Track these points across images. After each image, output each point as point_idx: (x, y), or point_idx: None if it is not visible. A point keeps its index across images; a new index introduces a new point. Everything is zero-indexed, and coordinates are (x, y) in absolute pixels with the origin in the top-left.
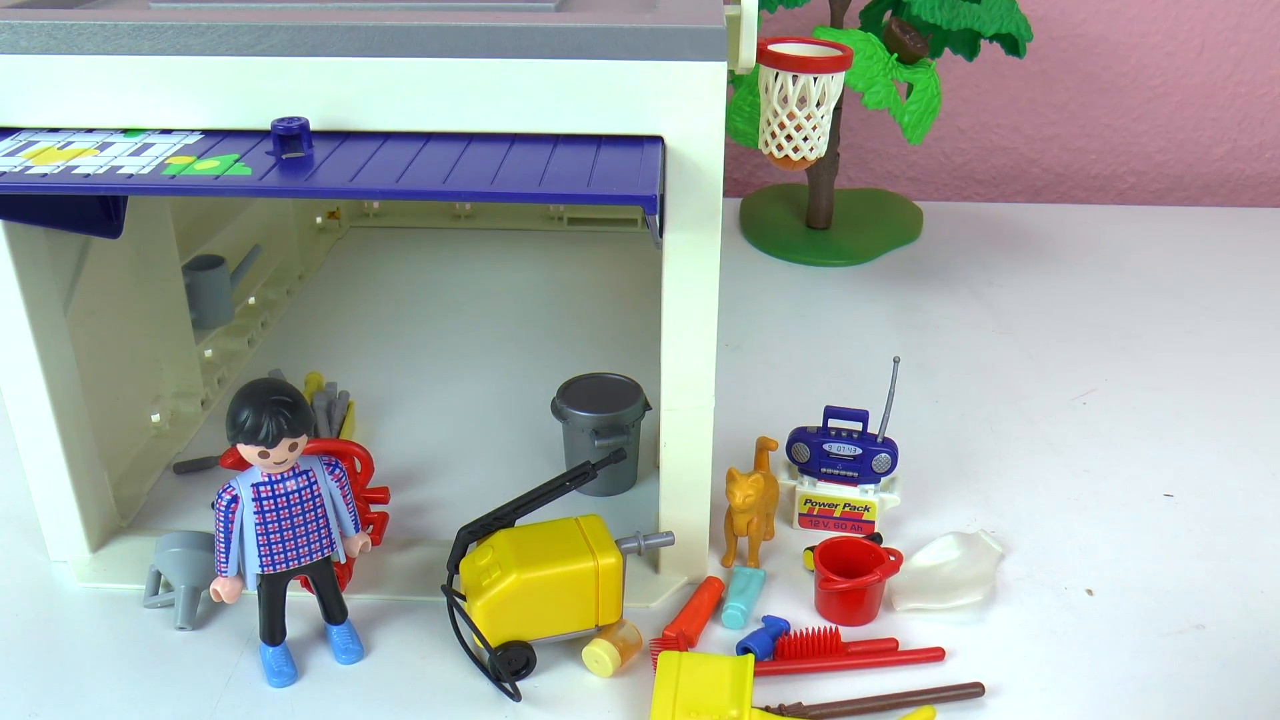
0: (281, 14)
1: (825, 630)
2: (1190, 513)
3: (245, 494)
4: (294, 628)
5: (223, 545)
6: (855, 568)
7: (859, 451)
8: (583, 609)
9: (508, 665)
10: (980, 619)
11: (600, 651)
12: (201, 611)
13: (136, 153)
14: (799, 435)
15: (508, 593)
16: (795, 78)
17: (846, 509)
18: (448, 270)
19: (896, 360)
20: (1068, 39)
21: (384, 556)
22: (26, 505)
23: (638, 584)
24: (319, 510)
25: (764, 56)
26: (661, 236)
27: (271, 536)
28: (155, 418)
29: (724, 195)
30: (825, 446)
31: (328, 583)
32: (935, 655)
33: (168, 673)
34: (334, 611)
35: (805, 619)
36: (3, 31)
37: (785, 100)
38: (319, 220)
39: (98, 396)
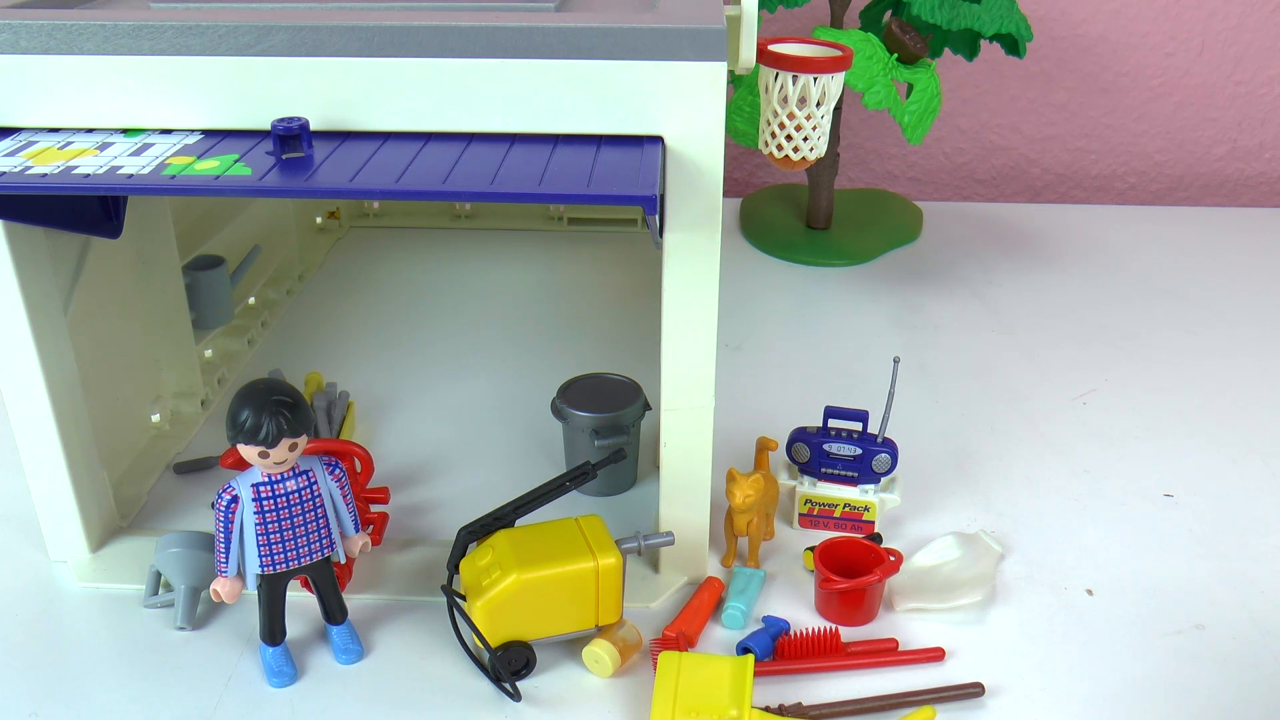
0: (281, 14)
1: (825, 630)
2: (1190, 513)
3: (245, 494)
4: (294, 628)
5: (223, 545)
6: (855, 568)
7: (859, 451)
8: (583, 609)
9: (508, 665)
10: (980, 619)
11: (600, 651)
12: (201, 611)
13: (136, 153)
14: (799, 435)
15: (508, 593)
16: (795, 78)
17: (846, 509)
18: (448, 270)
19: (896, 360)
20: (1068, 39)
21: (384, 556)
22: (26, 505)
23: (638, 584)
24: (319, 510)
25: (764, 56)
26: (661, 236)
27: (271, 536)
28: (155, 418)
29: (724, 195)
30: (825, 446)
31: (328, 583)
32: (935, 655)
33: (168, 673)
34: (334, 611)
35: (805, 619)
36: (3, 31)
37: (785, 100)
38: (319, 220)
39: (98, 396)
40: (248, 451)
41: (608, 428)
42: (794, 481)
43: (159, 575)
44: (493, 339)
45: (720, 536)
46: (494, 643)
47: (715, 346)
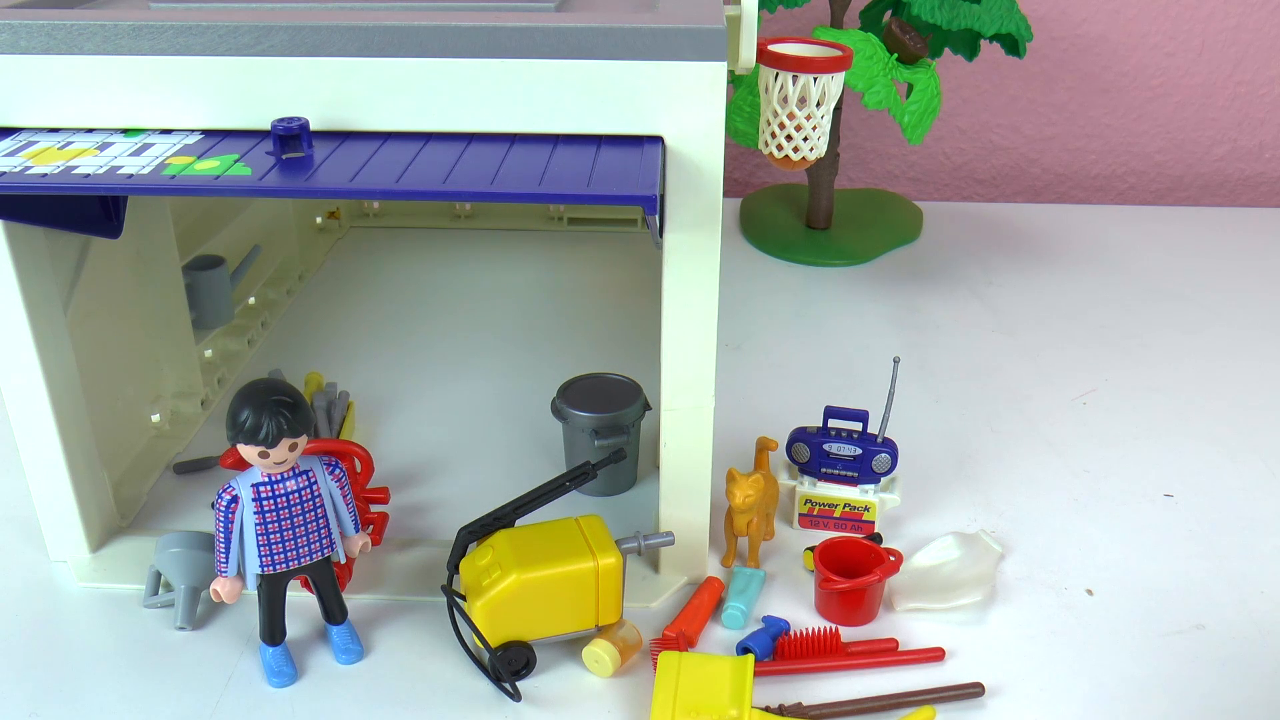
0: (281, 14)
1: (825, 630)
2: (1190, 513)
3: (245, 494)
4: (294, 628)
5: (223, 545)
6: (855, 568)
7: (859, 451)
8: (583, 609)
9: (508, 665)
10: (980, 619)
11: (600, 651)
12: (201, 611)
13: (136, 153)
14: (799, 435)
15: (508, 593)
16: (795, 78)
17: (846, 509)
18: (448, 270)
19: (896, 360)
20: (1068, 39)
21: (384, 556)
22: (26, 505)
23: (638, 584)
24: (319, 510)
25: (764, 56)
26: (661, 236)
27: (271, 536)
28: (155, 418)
29: (724, 195)
30: (825, 446)
31: (328, 583)
32: (935, 655)
33: (168, 673)
34: (334, 611)
35: (805, 619)
36: (3, 31)
37: (785, 100)
38: (319, 220)
39: (98, 396)
40: (248, 451)
41: (608, 428)
42: (794, 481)
43: (159, 575)
44: (493, 339)
45: (720, 536)
46: (494, 643)
47: (715, 346)
